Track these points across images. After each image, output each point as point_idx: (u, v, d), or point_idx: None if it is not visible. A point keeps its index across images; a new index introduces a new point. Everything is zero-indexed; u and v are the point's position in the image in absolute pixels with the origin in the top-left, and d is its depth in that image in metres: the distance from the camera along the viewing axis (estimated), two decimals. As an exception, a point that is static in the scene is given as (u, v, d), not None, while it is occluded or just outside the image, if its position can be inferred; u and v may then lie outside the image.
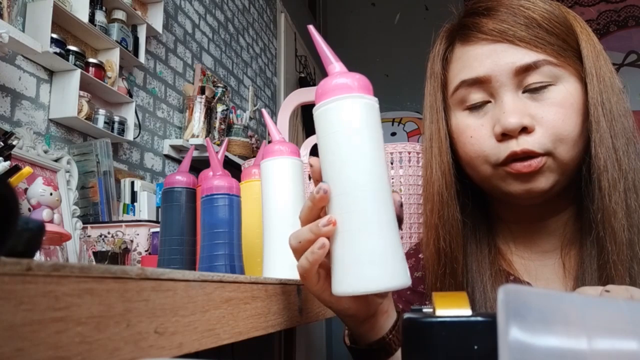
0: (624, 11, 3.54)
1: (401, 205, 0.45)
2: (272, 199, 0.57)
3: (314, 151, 1.19)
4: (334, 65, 0.41)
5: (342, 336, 0.54)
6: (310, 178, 0.89)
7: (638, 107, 2.78)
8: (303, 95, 1.51)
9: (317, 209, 0.41)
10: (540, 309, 0.24)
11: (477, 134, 0.56)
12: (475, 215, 0.61)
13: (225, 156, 1.62)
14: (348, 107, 0.39)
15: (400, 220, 0.43)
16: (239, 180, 0.73)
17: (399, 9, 4.05)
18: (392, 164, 1.10)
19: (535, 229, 0.60)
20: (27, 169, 0.95)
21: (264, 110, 0.66)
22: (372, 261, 0.37)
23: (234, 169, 1.82)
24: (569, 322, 0.23)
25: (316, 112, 0.40)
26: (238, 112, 2.41)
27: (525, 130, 0.52)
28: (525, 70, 0.53)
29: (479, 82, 0.55)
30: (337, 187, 0.38)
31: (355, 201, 0.38)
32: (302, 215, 0.42)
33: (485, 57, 0.55)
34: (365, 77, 0.41)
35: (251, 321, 0.38)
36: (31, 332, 0.18)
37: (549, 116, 0.52)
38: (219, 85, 2.16)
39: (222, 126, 2.08)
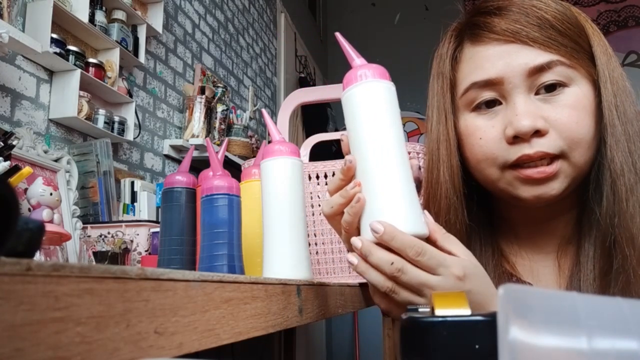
0: (624, 11, 3.54)
1: (420, 168, 0.47)
2: (272, 199, 0.57)
3: (314, 151, 1.19)
4: (356, 60, 0.49)
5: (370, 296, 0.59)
6: (310, 178, 0.89)
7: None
8: (303, 95, 1.50)
9: (346, 179, 0.45)
10: (540, 308, 0.24)
11: (486, 135, 0.55)
12: (480, 218, 0.61)
13: (225, 156, 1.62)
14: (368, 89, 0.46)
15: (420, 182, 0.46)
16: (239, 180, 0.73)
17: (399, 9, 4.04)
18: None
19: (539, 230, 0.59)
20: (27, 169, 0.95)
21: (264, 110, 0.66)
22: (392, 209, 0.43)
23: (234, 169, 1.82)
24: (569, 322, 0.23)
25: (344, 97, 0.48)
26: (238, 112, 2.40)
27: (537, 133, 0.51)
28: (539, 71, 0.52)
29: (491, 84, 0.54)
30: (362, 155, 0.45)
31: (376, 163, 0.44)
32: (331, 187, 0.47)
33: (497, 58, 0.54)
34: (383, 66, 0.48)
35: (251, 321, 0.38)
36: (31, 332, 0.18)
37: (562, 118, 0.51)
38: (219, 85, 2.16)
39: (222, 126, 2.08)
